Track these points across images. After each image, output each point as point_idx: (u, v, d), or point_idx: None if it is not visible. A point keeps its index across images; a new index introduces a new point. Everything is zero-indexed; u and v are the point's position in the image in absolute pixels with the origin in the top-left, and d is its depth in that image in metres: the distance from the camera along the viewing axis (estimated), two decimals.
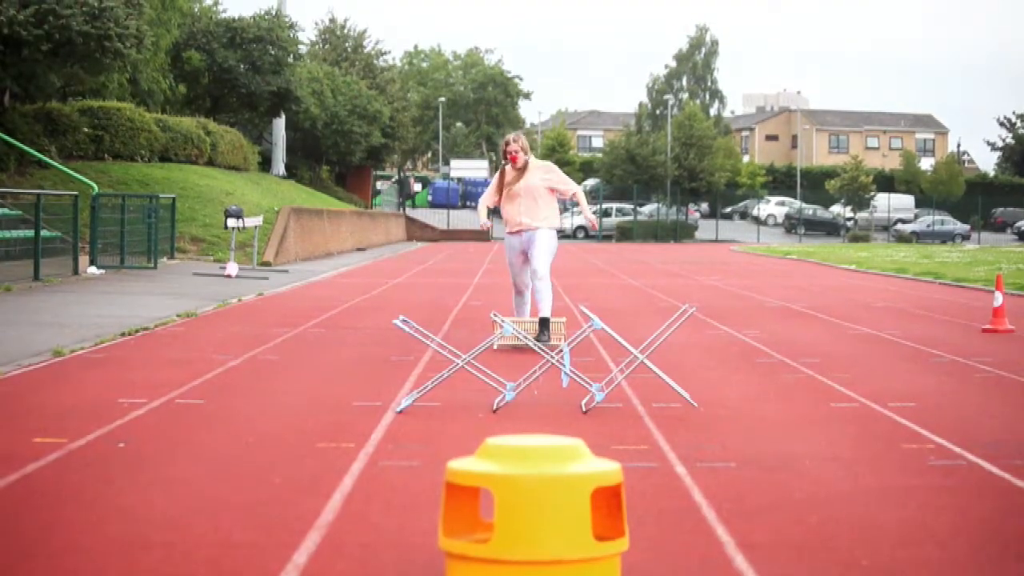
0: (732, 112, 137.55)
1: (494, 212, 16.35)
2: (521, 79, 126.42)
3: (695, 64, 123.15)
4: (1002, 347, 15.56)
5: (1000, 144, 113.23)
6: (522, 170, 14.77)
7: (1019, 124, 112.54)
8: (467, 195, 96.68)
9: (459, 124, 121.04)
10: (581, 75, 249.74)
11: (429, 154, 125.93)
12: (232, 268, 28.78)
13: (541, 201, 14.82)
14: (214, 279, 27.43)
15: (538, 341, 13.56)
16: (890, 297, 25.58)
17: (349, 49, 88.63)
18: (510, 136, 15.08)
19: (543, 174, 14.91)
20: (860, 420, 9.79)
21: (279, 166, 63.96)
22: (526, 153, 14.83)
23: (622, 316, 19.87)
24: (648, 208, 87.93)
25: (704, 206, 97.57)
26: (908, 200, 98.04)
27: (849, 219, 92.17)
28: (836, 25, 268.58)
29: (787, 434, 9.14)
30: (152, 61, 48.65)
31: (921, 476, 7.72)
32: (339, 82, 74.24)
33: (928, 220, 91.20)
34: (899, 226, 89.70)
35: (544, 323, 14.53)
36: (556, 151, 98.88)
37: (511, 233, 15.03)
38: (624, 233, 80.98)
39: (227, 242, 33.49)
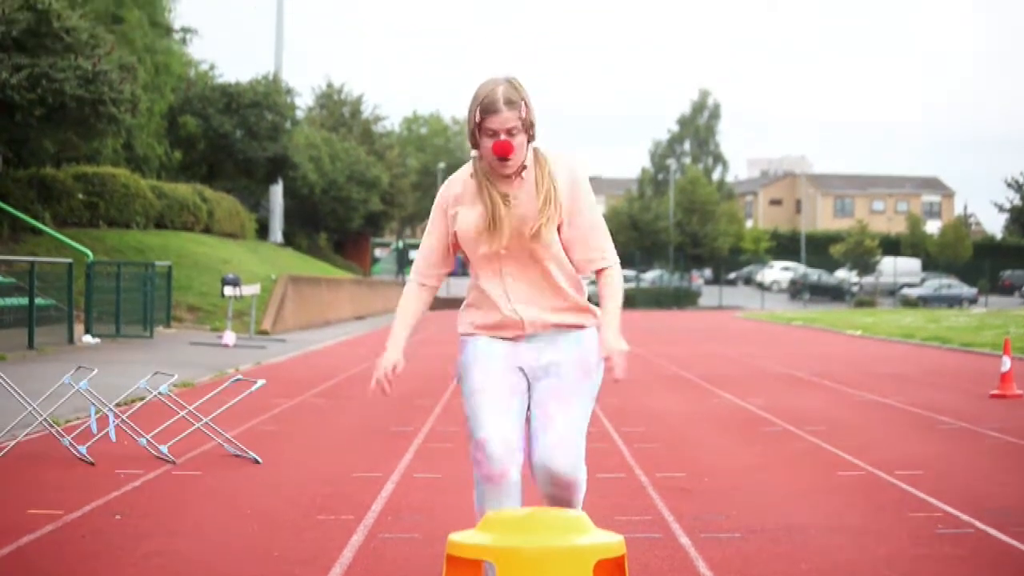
0: (735, 176, 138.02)
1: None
2: None
3: (698, 128, 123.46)
4: (1011, 412, 15.45)
5: (1008, 206, 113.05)
6: (518, 175, 5.88)
7: None
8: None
9: None
10: (582, 140, 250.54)
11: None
12: (229, 337, 28.68)
13: (565, 268, 5.89)
14: (211, 348, 27.35)
15: None
16: (896, 363, 25.49)
17: (346, 114, 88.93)
18: (498, 87, 5.66)
19: (570, 193, 5.84)
20: (867, 489, 9.67)
21: (276, 233, 64.06)
22: (530, 134, 5.86)
23: (626, 386, 19.76)
24: (651, 275, 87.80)
25: (707, 272, 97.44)
26: (915, 264, 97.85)
27: (855, 284, 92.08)
28: (840, 88, 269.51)
29: (793, 504, 9.03)
30: (147, 126, 48.78)
31: (929, 545, 7.61)
32: (337, 148, 74.44)
33: (935, 284, 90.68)
34: (905, 290, 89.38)
35: None
36: None
37: (492, 331, 5.82)
38: (626, 300, 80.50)
39: (224, 311, 33.41)
